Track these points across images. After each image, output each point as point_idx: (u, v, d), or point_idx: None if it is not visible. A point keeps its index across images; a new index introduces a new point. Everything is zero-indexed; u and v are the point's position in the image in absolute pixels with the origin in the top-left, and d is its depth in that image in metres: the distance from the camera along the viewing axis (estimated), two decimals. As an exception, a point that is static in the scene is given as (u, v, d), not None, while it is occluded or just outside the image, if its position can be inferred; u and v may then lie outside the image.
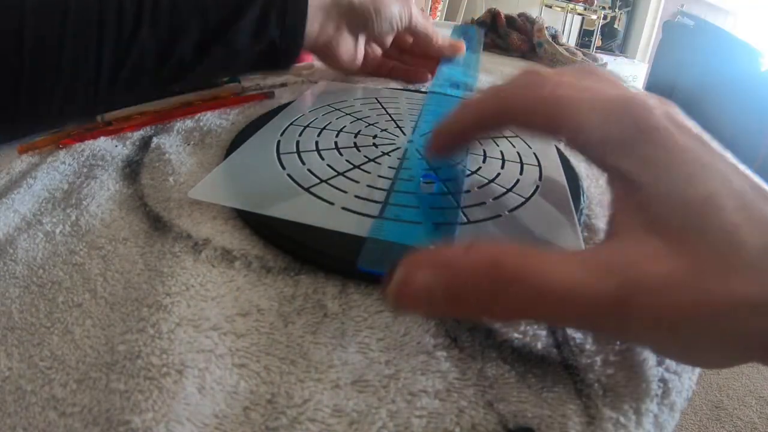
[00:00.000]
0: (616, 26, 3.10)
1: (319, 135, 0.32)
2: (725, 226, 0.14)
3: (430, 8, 1.99)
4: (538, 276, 0.14)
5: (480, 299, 0.15)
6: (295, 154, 0.29)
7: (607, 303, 0.14)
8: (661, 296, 0.14)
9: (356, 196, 0.25)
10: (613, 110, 0.16)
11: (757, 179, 0.16)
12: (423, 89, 0.46)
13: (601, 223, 0.26)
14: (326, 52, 0.39)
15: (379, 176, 0.27)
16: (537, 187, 0.28)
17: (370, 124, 0.34)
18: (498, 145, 0.33)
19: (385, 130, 0.33)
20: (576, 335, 0.20)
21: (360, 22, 0.38)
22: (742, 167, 0.16)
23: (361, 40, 0.40)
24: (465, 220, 0.24)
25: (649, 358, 0.19)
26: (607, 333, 0.17)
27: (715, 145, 0.16)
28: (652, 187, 0.15)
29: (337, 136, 0.32)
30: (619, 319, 0.14)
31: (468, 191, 0.27)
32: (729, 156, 0.16)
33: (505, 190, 0.27)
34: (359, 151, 0.30)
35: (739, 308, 0.13)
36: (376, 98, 0.40)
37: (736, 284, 0.13)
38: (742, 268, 0.14)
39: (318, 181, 0.26)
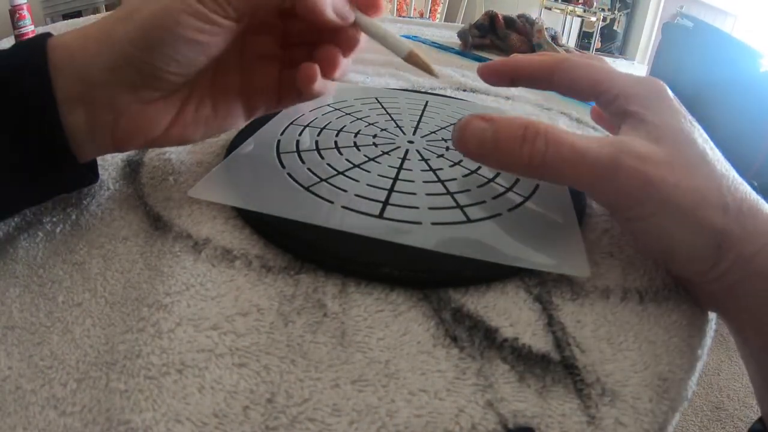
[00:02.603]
0: (615, 28, 3.10)
1: (319, 134, 0.32)
2: (699, 149, 0.21)
3: (430, 10, 2.00)
4: (558, 135, 0.20)
5: (515, 147, 0.20)
6: (295, 153, 0.29)
7: (605, 161, 0.20)
8: (642, 162, 0.20)
9: (356, 195, 0.25)
10: (644, 81, 0.23)
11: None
12: (423, 90, 0.46)
13: (601, 222, 0.26)
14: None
15: (379, 175, 0.27)
16: (537, 186, 0.28)
17: (369, 124, 0.34)
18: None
19: (385, 129, 0.33)
20: (576, 335, 0.20)
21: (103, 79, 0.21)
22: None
23: (149, 94, 0.22)
24: (465, 219, 0.24)
25: (649, 357, 0.19)
26: (604, 194, 0.21)
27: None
28: (654, 121, 0.21)
29: (337, 135, 0.32)
30: (612, 176, 0.20)
31: (468, 190, 0.27)
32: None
33: (504, 189, 0.27)
34: (359, 150, 0.30)
35: (699, 198, 0.19)
36: (376, 98, 0.40)
37: (701, 182, 0.20)
38: (708, 175, 0.20)
39: (318, 180, 0.26)
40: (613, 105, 0.23)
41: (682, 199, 0.19)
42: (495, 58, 0.62)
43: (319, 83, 0.24)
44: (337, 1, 0.22)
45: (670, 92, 0.23)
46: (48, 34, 0.21)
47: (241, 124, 0.26)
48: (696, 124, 0.22)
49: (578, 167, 0.20)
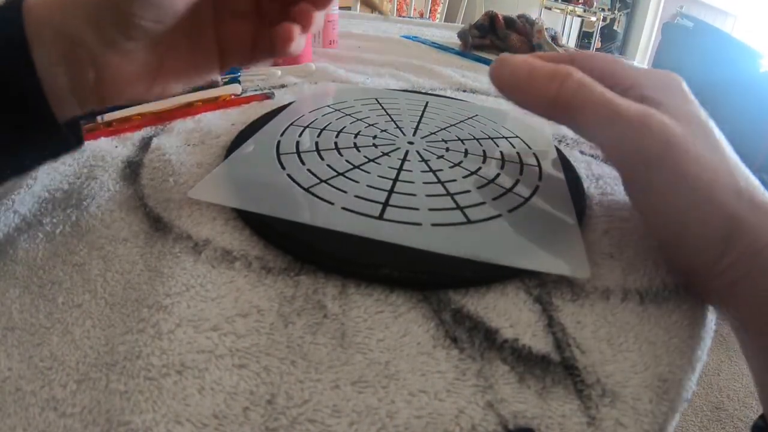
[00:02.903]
0: (615, 28, 3.11)
1: (318, 135, 0.32)
2: (714, 138, 0.21)
3: (430, 10, 2.00)
4: (591, 81, 0.21)
5: (546, 80, 0.21)
6: (295, 155, 0.29)
7: (634, 114, 0.20)
8: (668, 127, 0.20)
9: (356, 196, 0.25)
10: (659, 72, 0.23)
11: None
12: (423, 90, 0.46)
13: (601, 223, 0.26)
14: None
15: (379, 176, 0.27)
16: (537, 187, 0.28)
17: (369, 125, 0.34)
18: (498, 146, 0.33)
19: (384, 130, 0.33)
20: (576, 335, 0.20)
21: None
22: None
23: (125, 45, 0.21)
24: (465, 219, 0.24)
25: (649, 358, 0.19)
26: (628, 146, 0.21)
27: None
28: (671, 105, 0.21)
29: (337, 136, 0.32)
30: (639, 129, 0.20)
31: (468, 191, 0.27)
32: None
33: (505, 190, 0.27)
34: (359, 151, 0.30)
35: (715, 177, 0.19)
36: (376, 99, 0.40)
37: (717, 164, 0.20)
38: (722, 161, 0.20)
39: (318, 181, 0.26)
40: (627, 94, 0.23)
41: (700, 173, 0.19)
42: (495, 59, 0.62)
43: (295, 43, 0.25)
44: None
45: (685, 84, 0.23)
46: None
47: (217, 75, 0.27)
48: (709, 117, 0.22)
49: (608, 113, 0.20)
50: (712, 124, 0.21)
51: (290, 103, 0.38)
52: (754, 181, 0.20)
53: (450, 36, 0.74)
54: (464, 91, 0.48)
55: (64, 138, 0.23)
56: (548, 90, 0.21)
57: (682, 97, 0.22)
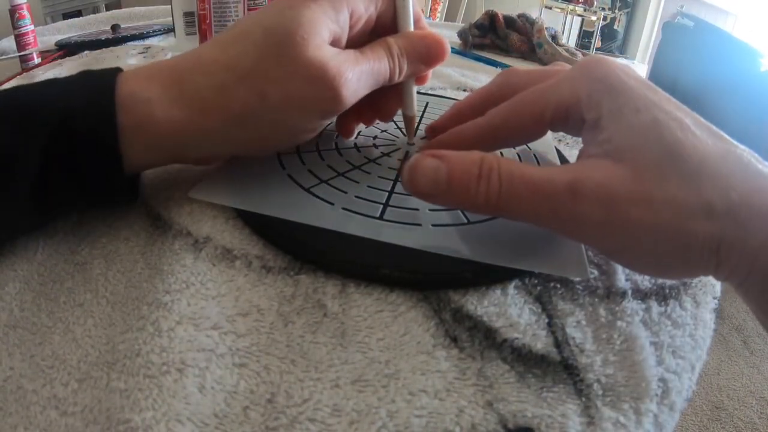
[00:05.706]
0: (615, 27, 3.11)
1: (319, 135, 0.32)
2: (667, 142, 0.18)
3: (430, 9, 2.00)
4: (511, 167, 0.19)
5: (471, 186, 0.19)
6: (296, 155, 0.29)
7: (561, 188, 0.18)
8: (603, 188, 0.18)
9: (356, 197, 0.25)
10: (578, 77, 0.21)
11: (695, 114, 0.19)
12: (423, 90, 0.46)
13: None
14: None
15: (380, 177, 0.27)
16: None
17: (370, 125, 0.34)
18: (498, 146, 0.33)
19: (385, 130, 0.33)
20: (576, 335, 0.20)
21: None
22: (684, 106, 0.19)
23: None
24: (465, 220, 0.24)
25: (649, 357, 0.19)
26: (568, 226, 0.19)
27: (661, 91, 0.20)
28: (609, 126, 0.19)
29: (337, 136, 0.32)
30: (572, 206, 0.18)
31: None
32: (674, 99, 0.19)
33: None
34: (359, 151, 0.30)
35: (676, 209, 0.17)
36: (376, 99, 0.40)
37: (675, 189, 0.17)
38: (682, 176, 0.17)
39: (318, 181, 0.26)
40: (568, 122, 0.21)
41: (657, 218, 0.17)
42: (495, 58, 0.62)
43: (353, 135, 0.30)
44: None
45: (612, 71, 0.20)
46: (118, 70, 0.22)
47: None
48: (659, 93, 0.19)
49: (534, 199, 0.18)
50: (663, 120, 0.18)
51: (290, 103, 0.38)
52: (733, 175, 0.17)
53: (450, 35, 0.74)
54: (464, 90, 0.48)
55: (124, 195, 0.24)
56: (476, 196, 0.19)
57: (618, 99, 0.19)
